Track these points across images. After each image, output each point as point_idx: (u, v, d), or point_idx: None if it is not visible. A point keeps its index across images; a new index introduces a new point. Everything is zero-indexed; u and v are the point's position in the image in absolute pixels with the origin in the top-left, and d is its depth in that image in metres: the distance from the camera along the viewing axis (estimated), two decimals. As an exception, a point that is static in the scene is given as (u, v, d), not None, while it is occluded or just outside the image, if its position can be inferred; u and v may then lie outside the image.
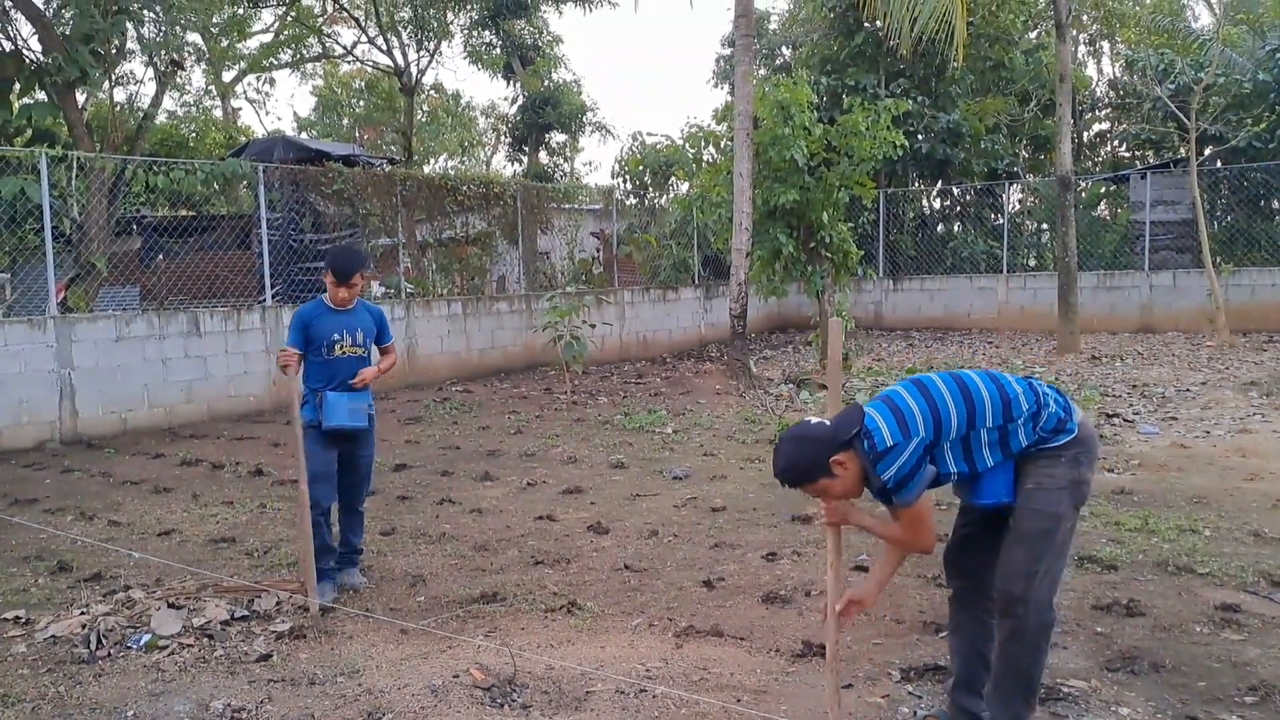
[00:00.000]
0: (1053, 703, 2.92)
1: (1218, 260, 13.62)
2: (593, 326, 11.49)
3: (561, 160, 27.86)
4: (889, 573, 2.75)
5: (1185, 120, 13.13)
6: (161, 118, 18.02)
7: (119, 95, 18.08)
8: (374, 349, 4.42)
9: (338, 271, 4.14)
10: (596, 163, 68.97)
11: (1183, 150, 14.76)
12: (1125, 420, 7.79)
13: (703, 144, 13.57)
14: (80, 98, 12.78)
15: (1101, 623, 3.59)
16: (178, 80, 22.06)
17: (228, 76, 23.93)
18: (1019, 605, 2.51)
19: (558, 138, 26.10)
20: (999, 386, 2.58)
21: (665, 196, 18.68)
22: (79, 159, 9.88)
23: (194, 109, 24.35)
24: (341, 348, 4.18)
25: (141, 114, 14.94)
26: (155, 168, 10.45)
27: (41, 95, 11.18)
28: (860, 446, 2.50)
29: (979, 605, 2.73)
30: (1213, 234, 14.37)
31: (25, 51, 11.30)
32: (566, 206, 16.02)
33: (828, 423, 2.57)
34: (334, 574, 4.22)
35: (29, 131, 10.99)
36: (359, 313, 4.29)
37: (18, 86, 10.79)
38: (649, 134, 25.66)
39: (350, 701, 3.09)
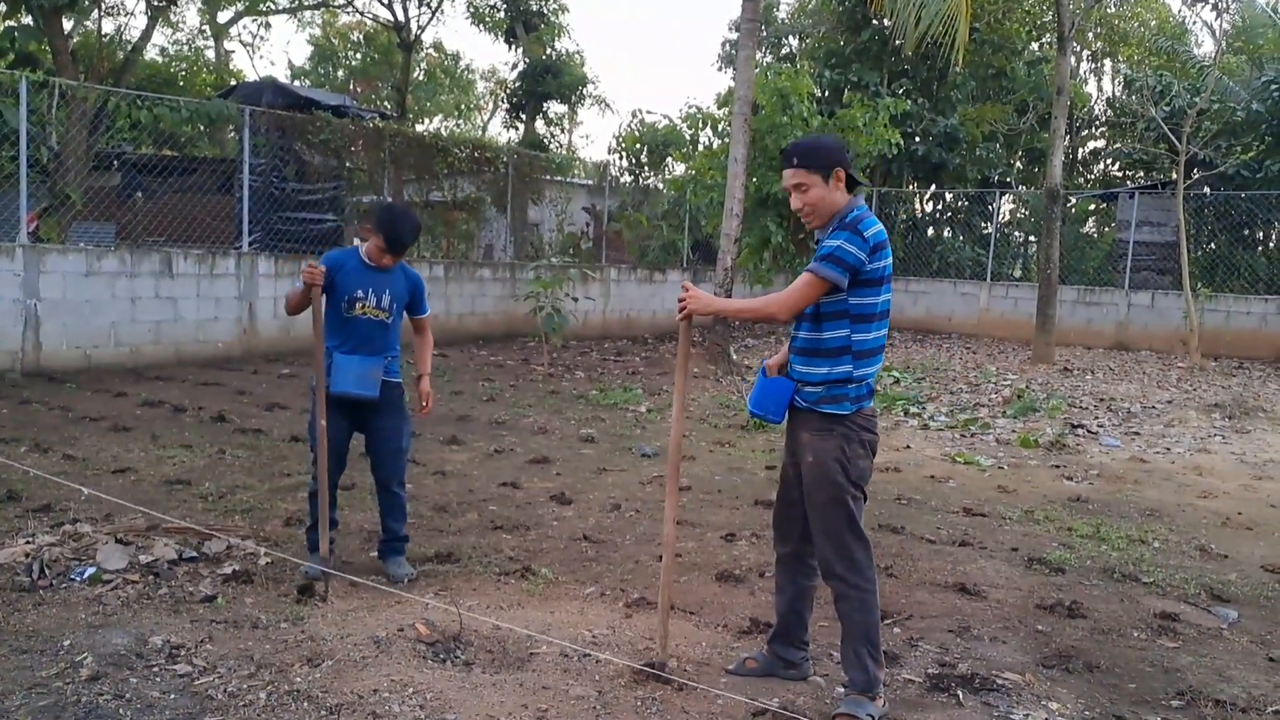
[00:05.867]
0: (985, 693, 2.97)
1: (1197, 284, 13.78)
2: (575, 300, 11.44)
3: (559, 131, 27.62)
4: (734, 309, 3.19)
5: (1176, 143, 13.22)
6: (152, 54, 17.63)
7: (108, 26, 17.66)
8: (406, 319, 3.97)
9: (391, 241, 3.71)
10: (594, 136, 68.41)
11: (1173, 173, 14.89)
12: (1089, 431, 7.89)
13: (700, 126, 13.50)
14: (67, 25, 12.43)
15: (1043, 621, 3.66)
16: (170, 16, 21.56)
17: (223, 17, 23.44)
18: (834, 568, 2.76)
19: (556, 108, 25.83)
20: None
21: (660, 177, 18.58)
22: (61, 86, 9.62)
23: (186, 48, 23.85)
24: (363, 307, 3.77)
25: (130, 47, 14.57)
26: (139, 102, 10.20)
27: (27, 19, 10.81)
28: (856, 199, 2.80)
29: (798, 570, 2.98)
30: (1195, 258, 14.53)
31: (13, -28, 10.92)
32: (559, 179, 15.89)
33: None
34: (332, 547, 3.88)
35: (11, 55, 10.64)
36: (395, 275, 3.86)
37: (3, 8, 10.44)
38: (649, 112, 25.57)
39: (291, 647, 3.07)
